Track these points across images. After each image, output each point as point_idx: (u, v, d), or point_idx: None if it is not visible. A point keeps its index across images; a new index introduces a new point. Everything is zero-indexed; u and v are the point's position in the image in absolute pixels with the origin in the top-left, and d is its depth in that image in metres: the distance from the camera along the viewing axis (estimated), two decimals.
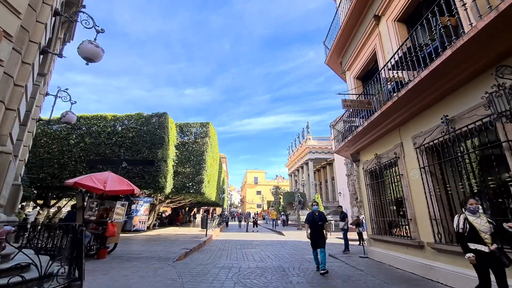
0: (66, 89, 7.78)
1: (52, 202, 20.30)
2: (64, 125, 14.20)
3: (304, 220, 7.50)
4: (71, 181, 6.88)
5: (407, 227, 6.67)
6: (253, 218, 24.07)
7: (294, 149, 59.25)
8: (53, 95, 7.54)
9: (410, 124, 6.17)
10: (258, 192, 74.64)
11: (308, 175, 48.79)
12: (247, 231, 21.61)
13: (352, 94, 8.86)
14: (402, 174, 6.51)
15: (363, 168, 8.68)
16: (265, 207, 64.40)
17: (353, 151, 9.10)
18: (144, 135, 14.01)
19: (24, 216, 14.82)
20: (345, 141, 8.65)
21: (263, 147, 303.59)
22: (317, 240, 6.56)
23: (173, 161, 15.68)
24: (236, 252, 9.80)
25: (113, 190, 7.10)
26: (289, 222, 31.78)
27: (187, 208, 37.95)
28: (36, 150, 14.04)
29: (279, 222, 33.91)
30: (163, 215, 29.95)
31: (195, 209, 47.76)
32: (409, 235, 6.25)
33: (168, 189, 14.67)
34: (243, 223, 25.05)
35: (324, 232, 6.66)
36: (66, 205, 21.27)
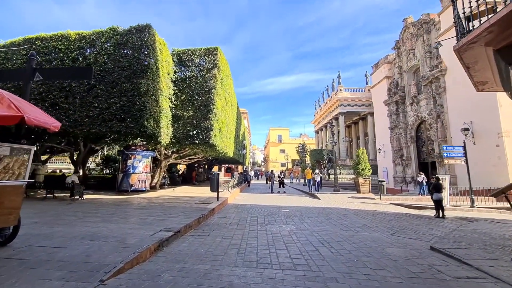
0: None
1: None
2: (16, 48, 10.19)
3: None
4: None
5: None
6: (279, 177, 20.14)
7: (321, 104, 53.19)
8: None
9: None
10: (282, 151, 71.09)
11: (338, 131, 43.54)
12: (271, 192, 17.87)
13: None
14: None
15: None
16: (290, 166, 61.13)
17: None
18: (120, 59, 9.61)
19: None
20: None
21: (285, 107, 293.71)
22: None
23: (170, 100, 11.39)
24: (256, 234, 5.76)
25: None
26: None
27: (205, 166, 35.14)
28: None
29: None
30: (178, 173, 27.22)
31: (216, 167, 45.36)
32: None
33: (164, 138, 10.67)
34: (269, 182, 21.44)
35: None
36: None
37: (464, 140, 13.00)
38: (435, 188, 9.60)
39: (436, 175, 10.37)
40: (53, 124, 3.93)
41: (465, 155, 12.34)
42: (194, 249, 4.56)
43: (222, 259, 3.99)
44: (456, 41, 4.74)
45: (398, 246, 5.03)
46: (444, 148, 12.79)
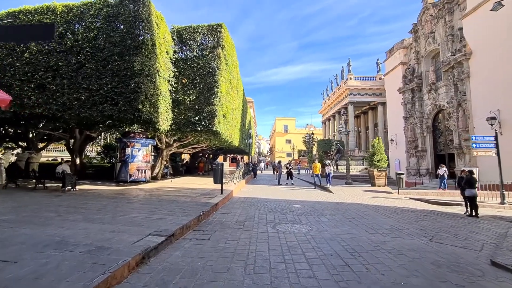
0: None
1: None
2: None
3: None
4: None
5: None
6: (287, 167, 19.10)
7: (330, 93, 51.40)
8: None
9: None
10: (288, 141, 69.83)
11: (347, 121, 41.97)
12: (279, 184, 16.87)
13: None
14: None
15: None
16: (296, 156, 59.98)
17: None
18: (111, 34, 8.52)
19: None
20: None
21: (291, 98, 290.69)
22: None
23: (170, 83, 10.30)
24: (267, 238, 4.76)
25: None
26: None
27: (210, 156, 34.24)
28: None
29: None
30: (182, 163, 26.37)
31: (221, 157, 44.46)
32: None
33: (163, 125, 9.64)
34: (276, 173, 20.45)
35: None
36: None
37: (495, 130, 11.70)
38: (468, 183, 8.43)
39: (469, 169, 9.19)
40: None
41: (497, 146, 11.10)
42: (189, 260, 3.57)
43: (225, 280, 2.98)
44: None
45: (447, 259, 3.97)
46: (473, 138, 11.50)
